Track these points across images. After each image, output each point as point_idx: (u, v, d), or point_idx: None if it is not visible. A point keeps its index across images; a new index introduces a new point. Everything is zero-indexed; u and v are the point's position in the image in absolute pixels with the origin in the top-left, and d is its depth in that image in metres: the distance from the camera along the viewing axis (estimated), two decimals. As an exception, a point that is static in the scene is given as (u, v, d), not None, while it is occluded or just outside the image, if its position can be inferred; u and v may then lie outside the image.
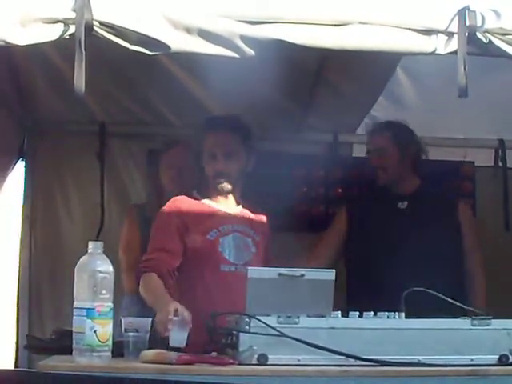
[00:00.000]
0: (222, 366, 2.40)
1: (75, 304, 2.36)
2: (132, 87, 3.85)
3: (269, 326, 2.47)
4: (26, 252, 4.00)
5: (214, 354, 2.61)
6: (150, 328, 2.56)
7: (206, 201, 3.31)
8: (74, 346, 2.35)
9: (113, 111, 4.02)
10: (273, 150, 4.11)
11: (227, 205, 3.32)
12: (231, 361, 2.42)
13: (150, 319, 2.57)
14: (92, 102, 3.88)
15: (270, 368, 2.42)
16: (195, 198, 3.30)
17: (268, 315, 2.50)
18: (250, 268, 2.53)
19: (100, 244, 2.38)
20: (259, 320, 2.48)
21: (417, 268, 3.40)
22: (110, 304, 2.36)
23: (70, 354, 2.43)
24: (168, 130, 4.03)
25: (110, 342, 2.35)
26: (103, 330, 2.33)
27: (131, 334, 2.53)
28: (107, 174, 4.02)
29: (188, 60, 3.25)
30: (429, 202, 3.65)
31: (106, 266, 2.36)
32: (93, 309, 2.32)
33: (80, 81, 2.26)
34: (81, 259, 2.38)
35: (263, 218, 3.44)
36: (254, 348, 2.48)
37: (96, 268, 2.34)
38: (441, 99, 3.70)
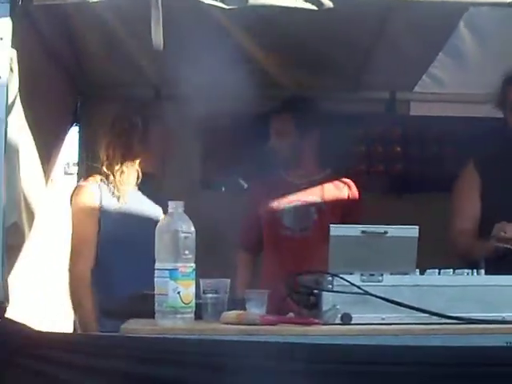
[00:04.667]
0: (307, 326, 2.36)
1: (157, 265, 2.31)
2: (186, 48, 3.76)
3: (353, 284, 2.42)
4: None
5: (290, 314, 2.57)
6: (228, 289, 2.51)
7: (279, 173, 3.57)
8: (156, 308, 2.30)
9: (168, 74, 3.94)
10: (330, 110, 4.02)
11: (298, 175, 3.56)
12: (316, 321, 2.38)
13: (229, 280, 2.52)
14: (147, 64, 3.81)
15: (355, 327, 2.37)
16: (271, 172, 3.56)
17: (351, 273, 2.45)
18: (332, 225, 2.46)
19: (181, 204, 2.32)
20: (342, 278, 2.42)
21: None
22: (193, 265, 2.31)
23: (144, 317, 2.42)
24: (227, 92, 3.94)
25: (193, 304, 2.30)
26: (186, 292, 2.28)
27: (210, 295, 2.46)
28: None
29: (246, 15, 3.18)
30: None
31: (187, 226, 2.30)
32: (176, 270, 2.26)
33: (158, 37, 2.23)
34: (161, 219, 2.33)
35: (344, 186, 3.55)
36: (338, 307, 2.43)
37: (178, 228, 2.28)
38: (504, 56, 3.59)
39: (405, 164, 4.18)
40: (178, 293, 2.25)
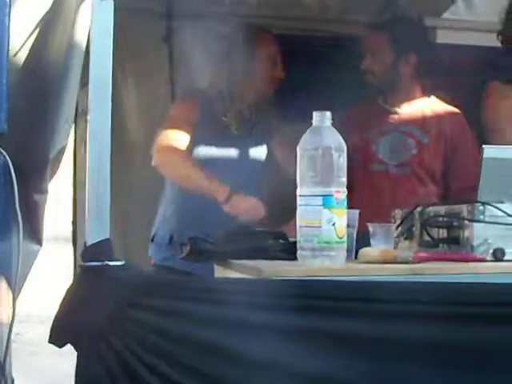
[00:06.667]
0: (471, 264, 2.00)
1: (301, 191, 1.85)
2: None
3: (509, 215, 2.07)
4: (83, 149, 3.39)
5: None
6: (357, 222, 2.09)
7: (374, 99, 3.17)
8: (301, 244, 1.85)
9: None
10: (352, 34, 3.64)
11: (397, 102, 3.16)
12: (480, 256, 2.01)
13: (358, 211, 2.09)
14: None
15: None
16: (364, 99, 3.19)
17: (501, 202, 2.10)
18: (485, 146, 2.09)
19: (328, 115, 1.88)
20: (496, 208, 2.07)
21: None
22: (346, 190, 1.88)
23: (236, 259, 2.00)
24: (245, 10, 3.46)
25: (345, 239, 1.88)
26: (340, 223, 1.83)
27: (338, 230, 2.03)
28: (175, 59, 3.45)
29: None
30: None
31: (339, 142, 1.86)
32: (330, 196, 1.81)
33: None
34: (305, 135, 1.87)
35: (451, 118, 3.14)
36: (489, 241, 2.07)
37: (330, 144, 1.83)
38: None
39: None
40: (333, 224, 1.81)
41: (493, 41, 3.81)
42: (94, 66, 1.68)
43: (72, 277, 3.45)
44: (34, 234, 2.35)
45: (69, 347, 1.77)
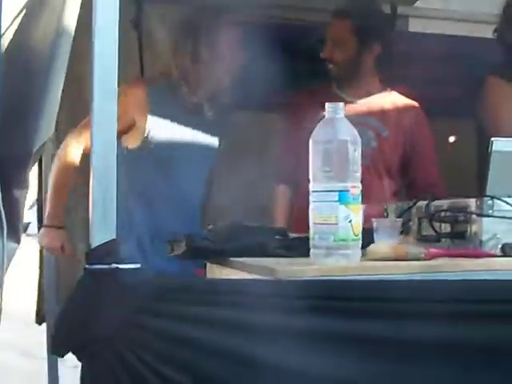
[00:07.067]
0: (479, 259, 1.93)
1: (314, 186, 1.75)
2: None
3: (518, 209, 2.01)
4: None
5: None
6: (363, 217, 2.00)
7: (331, 89, 3.06)
8: (315, 243, 1.74)
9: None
10: (323, 21, 3.56)
11: (354, 92, 3.05)
12: (492, 252, 1.95)
13: (364, 206, 1.98)
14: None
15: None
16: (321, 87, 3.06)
17: (509, 196, 2.04)
18: (494, 139, 2.02)
19: (341, 106, 1.78)
20: (505, 202, 2.01)
21: None
22: (360, 185, 1.79)
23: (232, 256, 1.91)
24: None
25: (360, 236, 1.79)
26: (357, 220, 1.74)
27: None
28: (144, 43, 3.33)
29: None
30: None
31: (354, 135, 1.76)
32: (346, 191, 1.72)
33: None
34: (317, 126, 1.77)
35: (409, 110, 3.03)
36: (498, 236, 2.02)
37: (344, 137, 1.74)
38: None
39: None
40: (350, 221, 1.72)
41: (467, 31, 3.81)
42: (98, 56, 1.56)
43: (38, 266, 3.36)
44: (13, 231, 2.22)
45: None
